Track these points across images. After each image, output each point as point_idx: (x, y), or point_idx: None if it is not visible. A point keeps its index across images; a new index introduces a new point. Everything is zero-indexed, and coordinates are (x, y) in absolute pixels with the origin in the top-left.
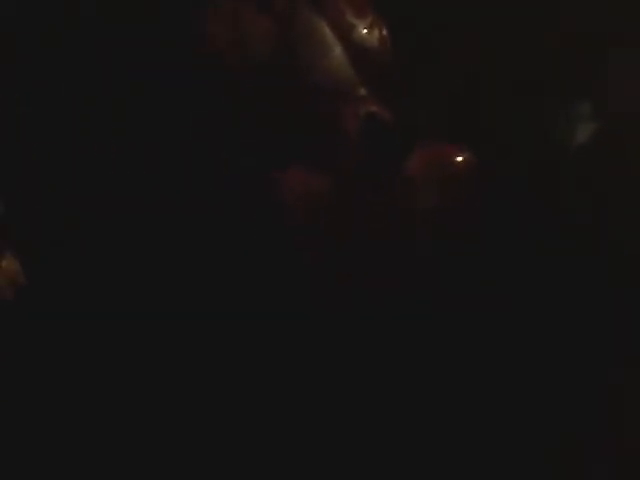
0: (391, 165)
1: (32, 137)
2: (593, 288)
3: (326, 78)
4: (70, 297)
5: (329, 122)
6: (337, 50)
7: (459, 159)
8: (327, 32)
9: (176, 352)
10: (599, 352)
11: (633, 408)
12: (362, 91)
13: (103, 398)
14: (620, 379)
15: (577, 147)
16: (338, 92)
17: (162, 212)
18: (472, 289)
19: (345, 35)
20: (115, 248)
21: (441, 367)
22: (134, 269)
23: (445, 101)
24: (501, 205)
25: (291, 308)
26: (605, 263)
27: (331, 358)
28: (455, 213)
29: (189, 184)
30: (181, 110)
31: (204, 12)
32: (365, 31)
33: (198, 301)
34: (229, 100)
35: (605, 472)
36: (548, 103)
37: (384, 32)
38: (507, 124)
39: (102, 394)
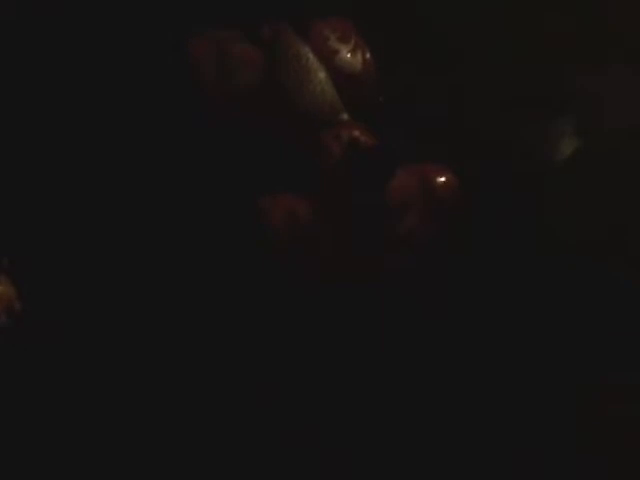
0: (374, 188)
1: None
2: (575, 296)
3: (310, 103)
4: (64, 319)
5: (313, 147)
6: (321, 75)
7: (441, 180)
8: (311, 58)
9: (174, 359)
10: (596, 353)
11: (632, 408)
12: (345, 116)
13: (104, 417)
14: (619, 380)
15: (560, 162)
16: (322, 117)
17: (154, 234)
18: (461, 300)
19: (329, 60)
20: (111, 267)
21: (438, 372)
22: (129, 288)
23: (429, 120)
24: (486, 219)
25: (281, 325)
26: (588, 274)
27: (324, 362)
28: (439, 232)
29: (177, 210)
30: (170, 136)
31: (189, 41)
32: (349, 55)
33: (191, 316)
34: (216, 127)
35: (604, 471)
36: (532, 119)
37: (367, 55)
38: (491, 140)
39: (102, 415)
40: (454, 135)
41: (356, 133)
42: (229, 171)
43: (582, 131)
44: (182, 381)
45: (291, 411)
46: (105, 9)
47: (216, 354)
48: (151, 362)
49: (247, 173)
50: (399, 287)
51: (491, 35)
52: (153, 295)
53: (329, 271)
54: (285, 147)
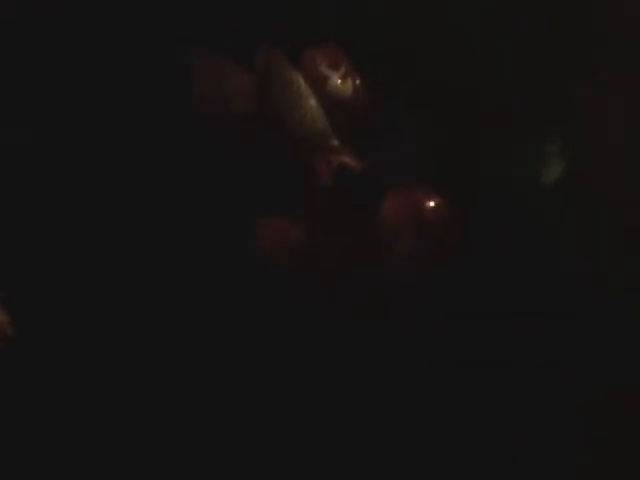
0: (364, 213)
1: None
2: (571, 310)
3: (301, 129)
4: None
5: (305, 172)
6: (312, 102)
7: (431, 204)
8: (302, 84)
9: (167, 384)
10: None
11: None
12: (335, 141)
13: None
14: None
15: (549, 184)
16: (313, 143)
17: (147, 260)
18: (454, 324)
19: (320, 87)
20: (103, 290)
21: (440, 381)
22: (122, 312)
23: (419, 144)
24: (478, 240)
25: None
26: (575, 295)
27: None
28: (430, 256)
29: (172, 234)
30: (166, 159)
31: (190, 69)
32: (339, 82)
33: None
34: (212, 151)
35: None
36: (518, 142)
37: (357, 82)
38: (481, 163)
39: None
40: (444, 159)
41: (345, 159)
42: (223, 194)
43: (570, 153)
44: (174, 413)
45: (289, 420)
46: (105, 14)
47: (213, 376)
48: (145, 385)
49: (241, 196)
50: (398, 306)
51: (480, 62)
52: (148, 320)
53: (324, 290)
54: (278, 171)
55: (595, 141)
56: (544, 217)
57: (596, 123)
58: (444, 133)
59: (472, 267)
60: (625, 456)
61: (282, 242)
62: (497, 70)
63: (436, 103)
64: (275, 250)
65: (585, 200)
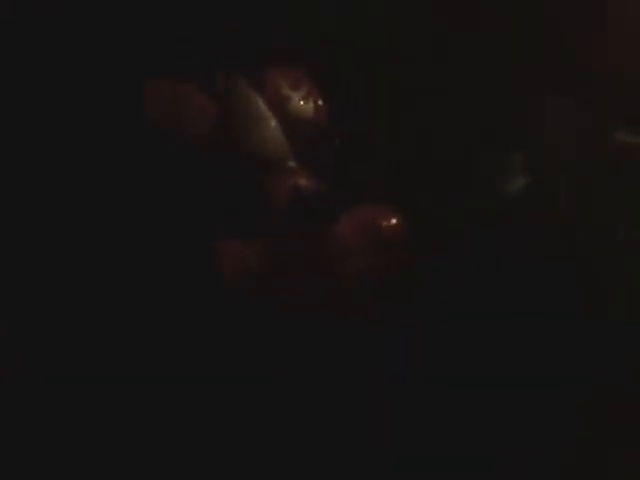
0: (319, 234)
1: None
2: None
3: (260, 151)
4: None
5: (262, 193)
6: (272, 123)
7: (387, 223)
8: (262, 106)
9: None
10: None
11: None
12: (292, 163)
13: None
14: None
15: (510, 198)
16: (271, 164)
17: (101, 284)
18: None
19: (281, 108)
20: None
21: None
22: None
23: (382, 162)
24: (437, 259)
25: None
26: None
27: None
28: (388, 276)
29: (127, 256)
30: (119, 181)
31: (142, 90)
32: (301, 102)
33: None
34: (166, 172)
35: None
36: (482, 154)
37: (319, 102)
38: (441, 176)
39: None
40: (406, 175)
41: (301, 181)
42: (179, 215)
43: (534, 165)
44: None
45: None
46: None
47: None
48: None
49: (197, 218)
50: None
51: (443, 72)
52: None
53: (284, 313)
54: (236, 193)
55: (560, 152)
56: (508, 228)
57: (562, 133)
58: (408, 150)
59: (434, 281)
60: (624, 457)
61: (239, 264)
62: (462, 82)
63: (403, 118)
64: (232, 272)
65: (549, 211)
